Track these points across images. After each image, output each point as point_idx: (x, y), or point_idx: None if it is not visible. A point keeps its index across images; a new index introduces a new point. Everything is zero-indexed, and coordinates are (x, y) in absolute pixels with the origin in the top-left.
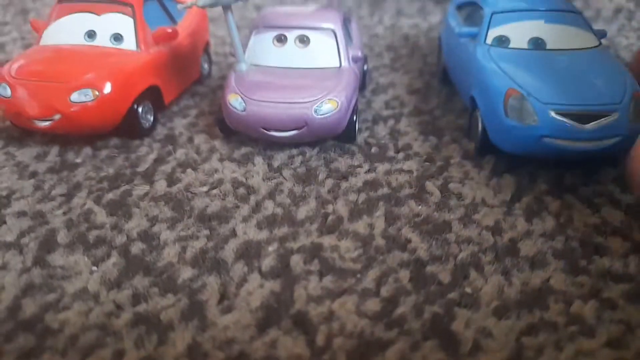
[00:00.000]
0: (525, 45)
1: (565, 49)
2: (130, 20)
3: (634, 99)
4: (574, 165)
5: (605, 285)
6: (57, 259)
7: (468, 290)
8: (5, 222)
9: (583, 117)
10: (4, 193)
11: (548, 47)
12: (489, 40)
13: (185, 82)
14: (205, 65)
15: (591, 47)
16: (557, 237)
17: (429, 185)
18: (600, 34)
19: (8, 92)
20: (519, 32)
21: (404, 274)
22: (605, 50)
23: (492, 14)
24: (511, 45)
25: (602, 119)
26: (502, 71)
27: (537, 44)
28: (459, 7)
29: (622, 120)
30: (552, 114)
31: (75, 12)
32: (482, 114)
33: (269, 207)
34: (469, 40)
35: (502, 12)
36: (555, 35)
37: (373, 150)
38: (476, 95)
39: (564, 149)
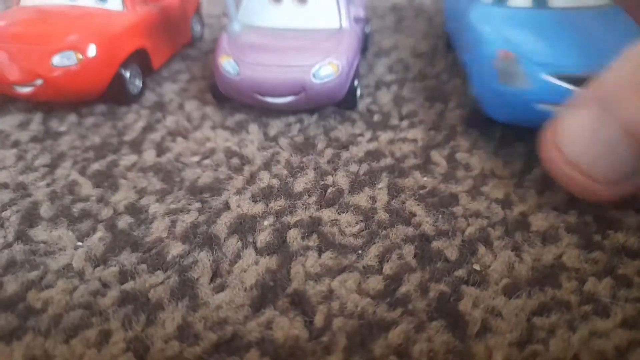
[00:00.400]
0: (526, 3)
1: (572, 7)
2: None
3: None
4: None
5: (620, 262)
6: (40, 233)
7: (476, 267)
8: None
9: (582, 81)
10: None
11: (552, 4)
12: None
13: (176, 44)
14: (197, 27)
15: (601, 5)
16: (570, 211)
17: (435, 155)
18: None
19: None
20: None
21: (408, 250)
22: (617, 8)
23: None
24: (510, 4)
25: None
26: (497, 32)
27: (540, 1)
28: None
29: None
30: (546, 76)
31: None
32: (472, 78)
33: (265, 178)
34: (467, 0)
35: None
36: None
37: (375, 117)
38: (467, 59)
39: None
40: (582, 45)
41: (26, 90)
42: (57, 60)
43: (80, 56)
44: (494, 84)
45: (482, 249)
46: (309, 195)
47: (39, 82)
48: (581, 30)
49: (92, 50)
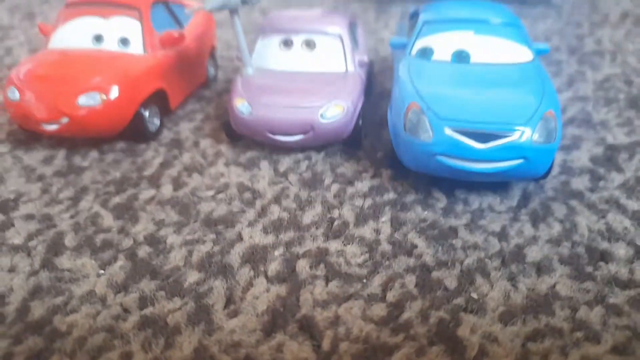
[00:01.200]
0: (448, 58)
1: (490, 62)
2: (138, 24)
3: (544, 119)
4: (575, 171)
5: (611, 291)
6: (65, 262)
7: (474, 295)
8: (13, 225)
9: (481, 136)
10: (12, 196)
11: (472, 60)
12: (414, 52)
13: (192, 85)
14: (212, 69)
15: (521, 62)
16: (563, 243)
17: (435, 191)
18: (540, 50)
19: (16, 95)
20: (445, 44)
21: (410, 279)
22: (536, 65)
23: (423, 23)
24: (434, 57)
25: (501, 139)
26: (412, 84)
27: (461, 56)
28: (412, 17)
29: (525, 142)
30: (447, 130)
31: (83, 16)
32: (389, 125)
33: (275, 211)
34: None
35: (433, 21)
36: (482, 48)
37: (379, 155)
38: (388, 109)
39: (460, 169)
40: (490, 101)
41: (52, 127)
42: (82, 100)
43: (104, 97)
44: (402, 133)
45: (479, 279)
46: (317, 228)
47: (64, 120)
48: (490, 86)
49: (114, 92)
